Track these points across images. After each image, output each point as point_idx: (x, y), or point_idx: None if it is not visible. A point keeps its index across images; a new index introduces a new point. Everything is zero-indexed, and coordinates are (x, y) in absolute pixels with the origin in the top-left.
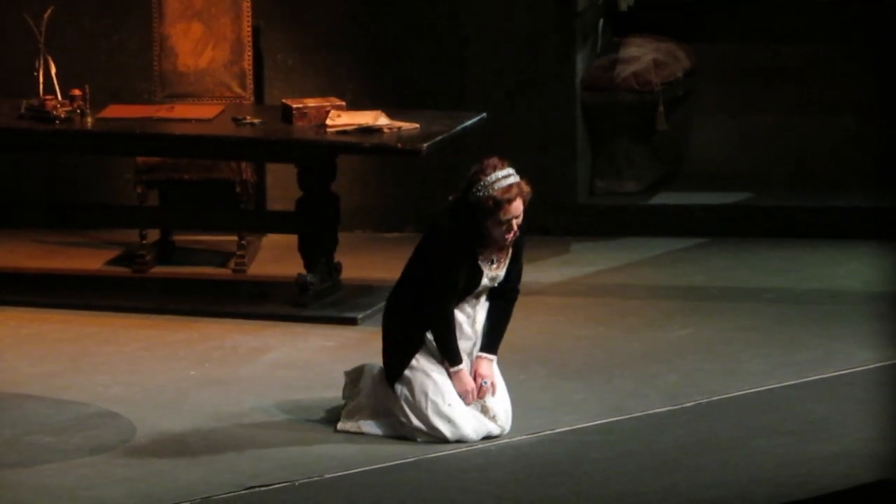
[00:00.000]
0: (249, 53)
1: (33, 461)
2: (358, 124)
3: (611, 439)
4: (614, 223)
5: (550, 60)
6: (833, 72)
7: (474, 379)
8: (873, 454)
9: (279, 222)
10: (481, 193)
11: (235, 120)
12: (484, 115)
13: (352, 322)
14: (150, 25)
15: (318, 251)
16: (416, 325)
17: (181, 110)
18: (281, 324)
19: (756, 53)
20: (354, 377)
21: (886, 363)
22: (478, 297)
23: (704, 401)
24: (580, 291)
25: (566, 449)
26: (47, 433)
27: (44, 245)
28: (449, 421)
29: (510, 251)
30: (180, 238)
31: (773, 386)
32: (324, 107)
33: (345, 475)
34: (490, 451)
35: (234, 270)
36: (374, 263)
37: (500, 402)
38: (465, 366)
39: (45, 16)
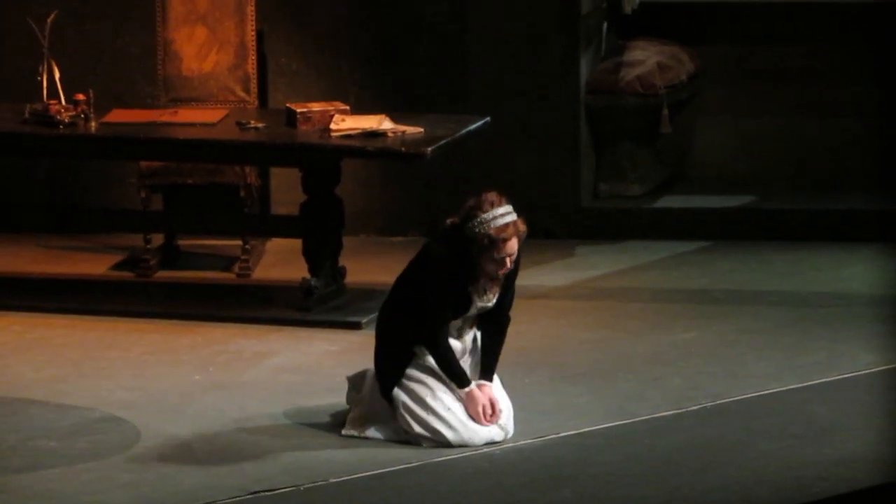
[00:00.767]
0: (253, 57)
1: (37, 466)
2: (362, 128)
3: (615, 443)
4: (618, 226)
5: (554, 64)
6: (836, 74)
7: None
8: (878, 458)
9: (283, 226)
10: (478, 230)
11: (239, 124)
12: (488, 118)
13: (356, 326)
14: (153, 29)
15: (322, 255)
16: (406, 341)
17: (185, 114)
18: (285, 328)
19: (759, 56)
20: (357, 382)
21: (891, 366)
22: (469, 324)
23: (709, 404)
24: (584, 295)
25: (570, 452)
26: (51, 438)
27: (47, 249)
28: (450, 426)
29: (502, 281)
30: (184, 242)
31: (778, 389)
32: (328, 111)
33: (349, 480)
34: (494, 455)
35: (239, 275)
36: (378, 267)
37: (503, 405)
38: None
39: (49, 20)
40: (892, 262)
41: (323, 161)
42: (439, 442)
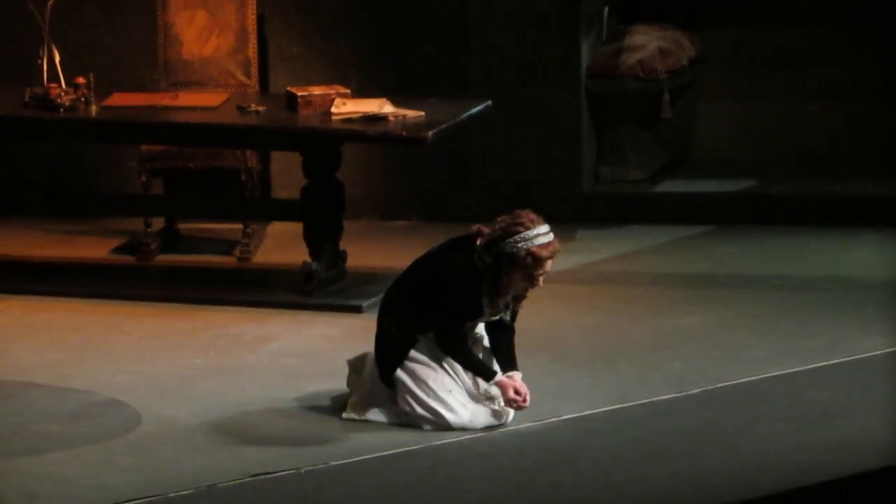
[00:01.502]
0: (254, 41)
1: (39, 450)
2: (363, 112)
3: (616, 427)
4: (619, 211)
5: (556, 48)
6: (839, 58)
7: None
8: (879, 441)
9: (284, 210)
10: (521, 245)
11: (240, 108)
12: (489, 102)
13: (357, 310)
14: (154, 13)
15: (323, 239)
16: (413, 329)
17: (186, 98)
18: (286, 312)
19: (761, 40)
20: (358, 365)
21: (893, 350)
22: (472, 326)
23: (710, 388)
24: (585, 279)
25: (571, 436)
26: (53, 422)
27: (48, 233)
28: (451, 409)
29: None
30: (185, 226)
31: (779, 373)
32: (329, 95)
33: (350, 463)
34: (495, 439)
35: (239, 259)
36: (379, 252)
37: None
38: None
39: (49, 4)
40: (894, 247)
41: (324, 145)
42: (440, 425)
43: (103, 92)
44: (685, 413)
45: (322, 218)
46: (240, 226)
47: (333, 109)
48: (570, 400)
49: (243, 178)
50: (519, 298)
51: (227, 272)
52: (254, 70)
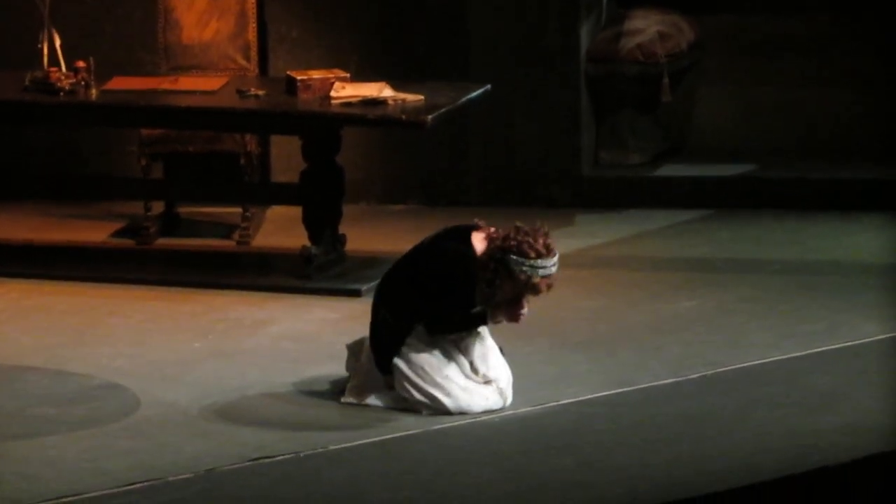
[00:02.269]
0: (254, 25)
1: (36, 433)
2: (362, 96)
3: (615, 411)
4: (619, 195)
5: (555, 32)
6: (838, 43)
7: None
8: (879, 426)
9: (283, 194)
10: (524, 269)
11: (240, 92)
12: (488, 86)
13: (356, 294)
14: None
15: (322, 223)
16: (410, 317)
17: (185, 82)
18: (285, 296)
19: (760, 25)
20: (357, 349)
21: (892, 335)
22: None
23: (709, 373)
24: (584, 263)
25: (570, 421)
26: (51, 405)
27: (48, 217)
28: (449, 393)
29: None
30: (185, 210)
31: (779, 358)
32: (328, 79)
33: (349, 447)
34: (494, 423)
35: (239, 242)
36: (378, 235)
37: (503, 373)
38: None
39: None
40: (894, 231)
41: (323, 129)
42: (438, 409)
43: (103, 76)
44: (684, 397)
45: (321, 202)
46: (239, 209)
47: (333, 93)
48: (569, 384)
49: (243, 161)
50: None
51: (226, 256)
52: (253, 54)
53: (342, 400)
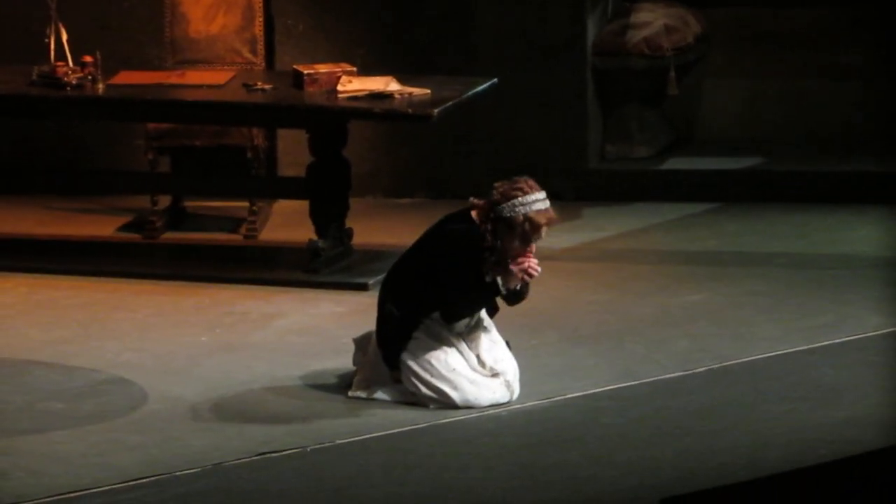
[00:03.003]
0: (260, 19)
1: (44, 428)
2: (369, 90)
3: (622, 405)
4: (625, 188)
5: (562, 25)
6: (844, 36)
7: None
8: (885, 419)
9: (290, 188)
10: (518, 210)
11: (246, 86)
12: (495, 80)
13: (363, 288)
14: None
15: (329, 217)
16: (417, 309)
17: (192, 76)
18: (292, 290)
19: (767, 18)
20: (363, 343)
21: None
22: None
23: (716, 366)
24: (591, 257)
25: (577, 414)
26: (58, 400)
27: (54, 211)
28: (456, 387)
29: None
30: (191, 204)
31: (785, 351)
32: (335, 72)
33: (356, 441)
34: (501, 417)
35: (245, 236)
36: (385, 229)
37: (509, 366)
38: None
39: None
40: None
41: (330, 123)
42: (445, 403)
43: (110, 70)
44: (691, 391)
45: (328, 195)
46: (246, 203)
47: (339, 87)
48: (576, 378)
49: (249, 155)
50: (510, 275)
51: (233, 250)
52: (260, 48)
53: (349, 394)
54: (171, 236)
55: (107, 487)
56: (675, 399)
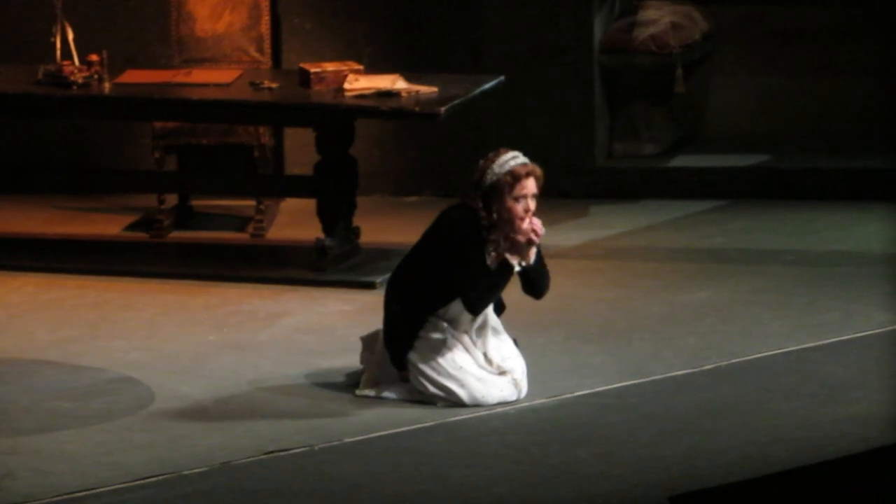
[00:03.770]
0: (267, 18)
1: (52, 427)
2: (376, 88)
3: (630, 402)
4: (633, 186)
5: (568, 23)
6: (851, 32)
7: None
8: (892, 416)
9: (297, 187)
10: (497, 171)
11: (253, 84)
12: (502, 78)
13: (370, 286)
14: None
15: (336, 215)
16: (423, 307)
17: (199, 75)
18: (299, 288)
19: (773, 15)
20: (371, 342)
21: None
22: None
23: (724, 363)
24: (599, 254)
25: (585, 412)
26: (65, 399)
27: (61, 210)
28: (463, 385)
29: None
30: (198, 203)
31: (793, 348)
32: (342, 71)
33: (364, 440)
34: (509, 415)
35: (253, 235)
36: (392, 227)
37: (517, 364)
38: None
39: None
40: None
41: (337, 121)
42: (453, 401)
43: (117, 69)
44: (699, 388)
45: (335, 194)
46: (253, 202)
47: (346, 85)
48: (583, 375)
49: (256, 154)
50: (514, 248)
51: (240, 248)
52: (267, 46)
53: (357, 392)
54: (178, 235)
55: (114, 487)
56: (683, 396)
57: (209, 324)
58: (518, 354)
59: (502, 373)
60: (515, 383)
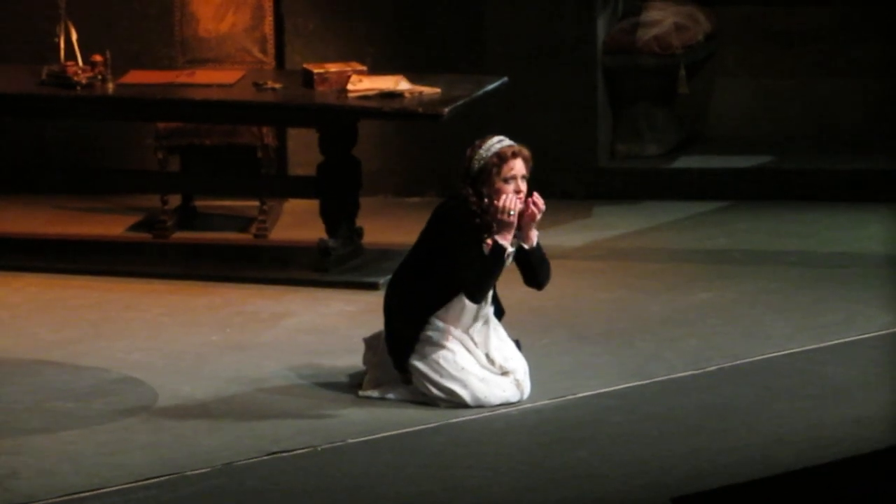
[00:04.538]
0: (270, 18)
1: (55, 427)
2: (379, 89)
3: (632, 403)
4: (636, 187)
5: (572, 24)
6: (854, 33)
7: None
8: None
9: (300, 187)
10: (485, 155)
11: (256, 85)
12: (505, 79)
13: (373, 287)
14: None
15: (339, 216)
16: (423, 308)
17: (202, 75)
18: (302, 289)
19: (776, 15)
20: (374, 343)
21: None
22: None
23: (726, 364)
24: (601, 255)
25: (587, 413)
26: (68, 399)
27: (65, 211)
28: (466, 386)
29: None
30: (201, 203)
31: (796, 349)
32: (345, 72)
33: (367, 440)
34: (511, 416)
35: (256, 235)
36: (395, 228)
37: (519, 365)
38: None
39: None
40: None
41: (340, 122)
42: (456, 403)
43: (120, 69)
44: (702, 390)
45: (338, 195)
46: (256, 203)
47: (349, 86)
48: (585, 377)
49: (260, 154)
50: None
51: (243, 249)
52: (270, 47)
53: (359, 393)
54: (181, 236)
55: (117, 487)
56: (686, 398)
57: (212, 324)
58: (520, 355)
59: (505, 373)
60: (518, 384)
